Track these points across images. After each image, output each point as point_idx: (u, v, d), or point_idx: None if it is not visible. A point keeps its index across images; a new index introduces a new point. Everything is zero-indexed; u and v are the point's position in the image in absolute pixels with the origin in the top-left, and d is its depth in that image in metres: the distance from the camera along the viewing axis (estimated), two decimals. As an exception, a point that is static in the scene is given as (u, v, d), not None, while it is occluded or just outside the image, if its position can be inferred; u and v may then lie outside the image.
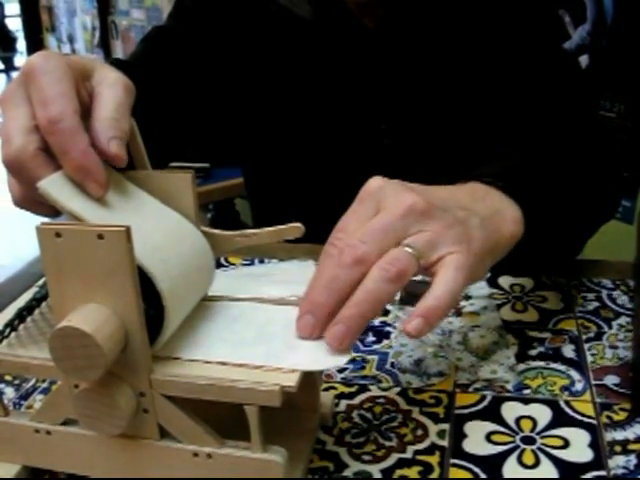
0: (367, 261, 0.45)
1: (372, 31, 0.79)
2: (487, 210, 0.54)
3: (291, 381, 0.40)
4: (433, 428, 0.50)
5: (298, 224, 0.49)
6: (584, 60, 1.47)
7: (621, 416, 0.50)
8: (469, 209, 0.52)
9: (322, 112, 0.82)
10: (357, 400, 0.54)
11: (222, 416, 0.43)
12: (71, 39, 5.94)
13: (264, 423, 0.42)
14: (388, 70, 0.79)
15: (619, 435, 0.49)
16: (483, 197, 0.55)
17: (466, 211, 0.51)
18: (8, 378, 0.59)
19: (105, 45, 5.15)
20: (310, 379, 0.47)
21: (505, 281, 0.70)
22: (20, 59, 8.32)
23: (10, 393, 0.57)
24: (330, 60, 0.81)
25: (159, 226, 0.46)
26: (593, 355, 0.58)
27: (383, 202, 0.49)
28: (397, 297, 0.65)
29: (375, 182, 0.50)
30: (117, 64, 0.84)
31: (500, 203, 0.56)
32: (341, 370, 0.58)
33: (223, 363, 0.42)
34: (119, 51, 4.99)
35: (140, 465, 0.45)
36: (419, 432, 0.50)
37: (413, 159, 0.80)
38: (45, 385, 0.58)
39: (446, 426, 0.50)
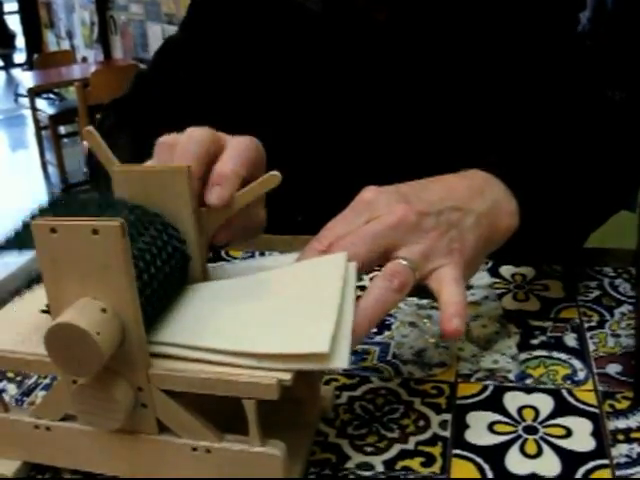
0: (356, 262, 0.47)
1: (382, 24, 0.78)
2: (484, 204, 0.55)
3: (286, 374, 0.40)
4: (435, 419, 0.50)
5: (274, 172, 0.50)
6: (584, 48, 1.45)
7: (624, 405, 0.50)
8: (464, 208, 0.53)
9: (330, 105, 0.82)
10: (359, 392, 0.54)
11: (221, 410, 0.43)
12: (70, 35, 5.93)
13: (263, 417, 0.41)
14: (398, 63, 0.79)
15: (622, 424, 0.48)
16: (482, 188, 0.56)
17: (460, 211, 0.53)
18: (10, 375, 0.59)
19: (104, 40, 5.14)
20: (309, 372, 0.46)
21: (506, 270, 0.69)
22: (19, 56, 8.31)
23: (12, 390, 0.57)
24: (340, 53, 0.80)
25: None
26: (595, 344, 0.57)
27: (375, 212, 0.51)
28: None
29: (369, 192, 0.52)
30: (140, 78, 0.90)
31: (498, 194, 0.57)
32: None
33: (216, 351, 0.42)
34: (118, 45, 4.98)
35: (139, 460, 0.44)
36: (421, 423, 0.50)
37: (420, 151, 0.80)
38: (47, 381, 0.58)
39: (448, 416, 0.50)
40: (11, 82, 7.79)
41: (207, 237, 0.52)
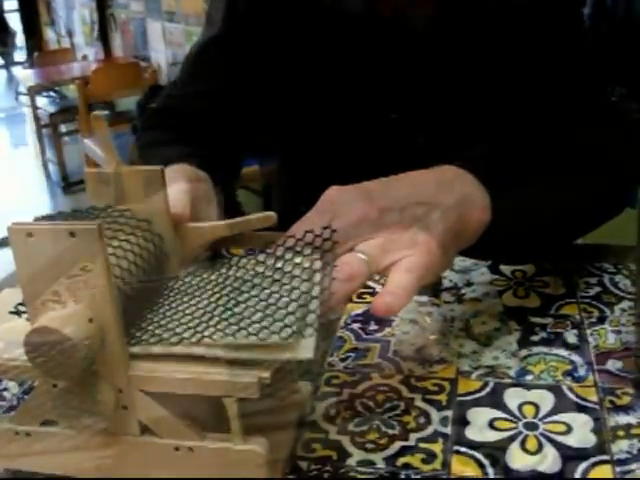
0: None
1: (421, 26, 0.77)
2: (452, 198, 0.54)
3: (265, 372, 0.40)
4: (436, 415, 0.50)
5: (270, 213, 0.50)
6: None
7: (624, 401, 0.50)
8: (431, 202, 0.53)
9: (358, 104, 0.81)
10: (360, 389, 0.54)
11: (202, 409, 0.43)
12: (70, 33, 5.92)
13: (243, 414, 0.42)
14: (433, 63, 0.78)
15: (622, 420, 0.48)
16: (451, 183, 0.56)
17: (427, 206, 0.53)
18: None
19: (104, 38, 5.13)
20: (285, 368, 0.47)
21: (506, 267, 0.69)
22: (20, 54, 8.30)
23: (14, 388, 0.57)
24: (377, 54, 0.79)
25: None
26: (595, 340, 0.58)
27: (337, 211, 0.51)
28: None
29: (332, 191, 0.53)
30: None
31: (469, 188, 0.56)
32: (343, 359, 0.57)
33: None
34: (118, 43, 4.97)
35: (121, 462, 0.44)
36: (422, 420, 0.50)
37: (434, 149, 0.79)
38: None
39: (449, 413, 0.50)
40: (12, 80, 7.79)
41: (189, 251, 0.53)
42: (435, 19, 0.77)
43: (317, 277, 0.46)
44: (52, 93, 5.38)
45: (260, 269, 0.47)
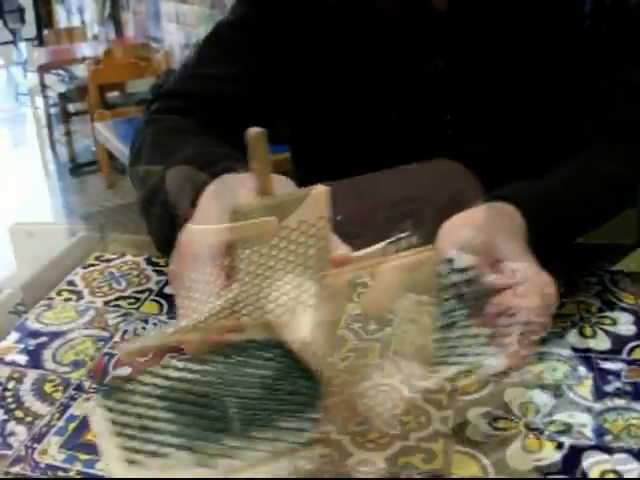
0: None
1: (442, 14, 0.77)
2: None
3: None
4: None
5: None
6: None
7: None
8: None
9: (387, 96, 0.80)
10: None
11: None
12: (81, 10, 5.82)
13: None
14: (455, 53, 0.78)
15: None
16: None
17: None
18: (19, 415, 0.54)
19: (115, 17, 5.06)
20: None
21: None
22: (29, 30, 8.16)
23: (22, 434, 0.52)
24: (399, 42, 0.79)
25: None
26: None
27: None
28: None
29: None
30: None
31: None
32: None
33: None
34: (130, 23, 4.89)
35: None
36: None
37: (475, 148, 0.79)
38: (61, 424, 0.52)
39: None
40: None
41: None
42: (437, 16, 0.77)
43: (311, 262, 0.46)
44: (61, 72, 5.27)
45: (255, 258, 0.47)
